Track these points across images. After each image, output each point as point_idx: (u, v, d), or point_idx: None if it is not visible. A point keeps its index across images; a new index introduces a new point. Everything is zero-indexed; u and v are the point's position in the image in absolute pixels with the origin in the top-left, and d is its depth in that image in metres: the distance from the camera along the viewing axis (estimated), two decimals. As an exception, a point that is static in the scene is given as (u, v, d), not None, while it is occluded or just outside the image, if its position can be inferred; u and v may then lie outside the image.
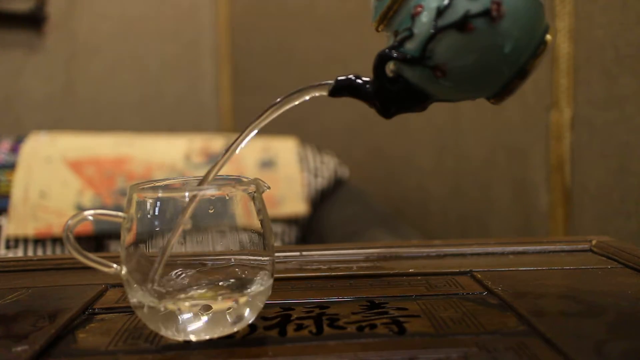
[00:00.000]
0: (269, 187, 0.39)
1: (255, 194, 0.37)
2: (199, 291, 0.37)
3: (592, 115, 0.86)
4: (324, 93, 0.37)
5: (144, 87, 1.80)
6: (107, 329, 0.38)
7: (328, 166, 1.27)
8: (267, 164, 1.22)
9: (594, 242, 0.55)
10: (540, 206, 0.96)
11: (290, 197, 1.19)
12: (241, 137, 0.37)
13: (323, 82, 0.37)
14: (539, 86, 0.93)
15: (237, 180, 0.38)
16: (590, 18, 0.84)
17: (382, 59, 0.35)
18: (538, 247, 0.55)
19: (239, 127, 0.41)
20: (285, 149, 1.25)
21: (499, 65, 0.33)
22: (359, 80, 0.37)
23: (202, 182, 0.38)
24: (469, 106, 1.14)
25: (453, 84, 0.34)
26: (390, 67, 0.36)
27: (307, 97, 0.37)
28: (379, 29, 0.36)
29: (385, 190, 1.40)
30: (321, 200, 1.24)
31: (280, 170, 1.22)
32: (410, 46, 0.34)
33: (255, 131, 0.37)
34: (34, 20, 1.66)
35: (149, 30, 1.79)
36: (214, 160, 1.20)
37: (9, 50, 1.67)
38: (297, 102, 0.37)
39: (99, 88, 1.76)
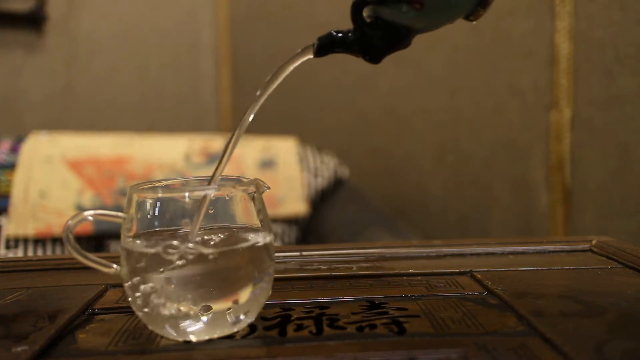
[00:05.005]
0: (268, 187, 0.39)
1: (255, 194, 0.37)
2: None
3: (592, 115, 0.86)
4: (310, 56, 0.38)
5: (144, 87, 1.80)
6: (107, 329, 0.38)
7: (328, 166, 1.27)
8: (267, 164, 1.22)
9: (594, 242, 0.55)
10: (540, 206, 0.96)
11: (290, 197, 1.19)
12: (247, 114, 0.38)
13: (306, 46, 0.37)
14: (539, 86, 0.93)
15: (237, 180, 0.38)
16: (590, 18, 0.84)
17: (357, 6, 0.36)
18: (538, 247, 0.55)
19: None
20: (285, 149, 1.25)
21: None
22: (339, 34, 0.37)
23: (217, 166, 0.38)
24: (469, 106, 1.14)
25: (432, 11, 0.35)
26: (366, 12, 0.36)
27: (296, 64, 0.37)
28: None
29: (385, 190, 1.40)
30: (321, 200, 1.24)
31: (280, 170, 1.22)
32: None
33: (256, 108, 0.38)
34: (34, 20, 1.66)
35: (149, 30, 1.79)
36: (214, 160, 1.20)
37: (9, 50, 1.67)
38: (287, 72, 0.37)
39: (99, 88, 1.76)
